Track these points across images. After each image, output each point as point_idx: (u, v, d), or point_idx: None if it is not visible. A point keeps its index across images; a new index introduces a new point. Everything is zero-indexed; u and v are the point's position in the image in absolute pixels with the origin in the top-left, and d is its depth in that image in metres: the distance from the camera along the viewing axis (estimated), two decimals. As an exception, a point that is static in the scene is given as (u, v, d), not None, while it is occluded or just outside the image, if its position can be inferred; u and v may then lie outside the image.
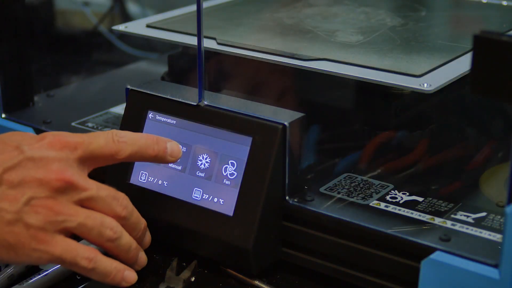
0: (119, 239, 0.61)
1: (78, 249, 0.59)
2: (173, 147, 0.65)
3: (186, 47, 0.83)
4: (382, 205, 0.64)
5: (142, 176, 0.69)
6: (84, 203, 0.60)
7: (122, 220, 0.62)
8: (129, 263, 0.63)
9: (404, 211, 0.64)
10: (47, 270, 0.64)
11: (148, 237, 0.66)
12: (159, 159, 0.64)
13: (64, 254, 0.58)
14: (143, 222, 0.64)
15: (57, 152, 0.60)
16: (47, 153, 0.59)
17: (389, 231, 0.60)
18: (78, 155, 0.61)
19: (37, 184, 0.58)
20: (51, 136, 0.61)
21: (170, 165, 0.68)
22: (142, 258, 0.64)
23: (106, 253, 0.62)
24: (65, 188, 0.59)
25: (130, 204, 0.63)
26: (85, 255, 0.59)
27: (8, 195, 0.58)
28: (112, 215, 0.61)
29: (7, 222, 0.57)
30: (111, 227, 0.60)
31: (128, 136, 0.63)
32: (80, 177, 0.60)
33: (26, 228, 0.57)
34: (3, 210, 0.57)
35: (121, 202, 0.62)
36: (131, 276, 0.62)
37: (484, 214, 0.63)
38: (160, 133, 0.69)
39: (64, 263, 0.59)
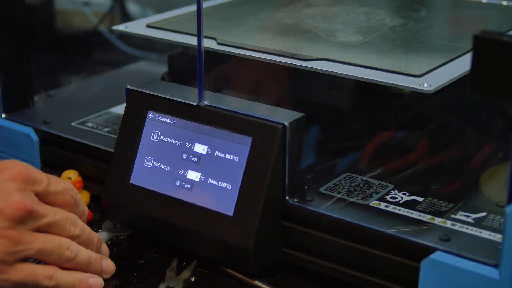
0: (77, 256, 0.62)
1: (38, 270, 0.60)
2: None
3: (186, 47, 0.83)
4: (382, 205, 0.64)
5: (142, 176, 0.69)
6: (42, 229, 0.61)
7: (76, 239, 0.63)
8: (97, 274, 0.64)
9: (404, 211, 0.64)
10: None
11: (105, 249, 0.67)
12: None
13: (26, 278, 0.60)
14: (95, 236, 0.65)
15: (17, 183, 0.60)
16: (7, 185, 0.60)
17: (389, 231, 0.60)
18: (37, 190, 0.61)
19: None
20: (13, 167, 0.61)
21: (170, 165, 0.68)
22: (109, 265, 0.65)
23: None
24: (25, 217, 0.59)
25: (80, 221, 0.64)
26: (45, 274, 0.60)
27: None
28: (67, 236, 0.62)
29: None
30: (67, 246, 0.62)
31: (78, 197, 0.65)
32: (39, 205, 0.61)
33: None
34: None
35: (73, 222, 0.63)
36: (97, 282, 0.63)
37: (484, 214, 0.63)
38: (160, 133, 0.69)
39: (26, 286, 0.60)
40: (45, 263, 0.61)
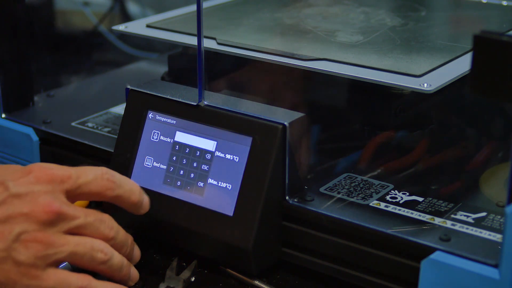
0: (110, 259, 0.61)
1: (70, 279, 0.59)
2: (147, 201, 0.65)
3: (186, 47, 0.83)
4: (382, 205, 0.64)
5: (142, 176, 0.69)
6: (73, 231, 0.59)
7: (111, 241, 0.61)
8: (123, 280, 0.63)
9: (404, 211, 0.64)
10: None
11: (137, 251, 0.65)
12: (135, 208, 0.64)
13: (57, 286, 0.58)
14: (129, 238, 0.64)
15: (43, 185, 0.59)
16: (33, 188, 0.59)
17: (389, 231, 0.60)
18: (65, 188, 0.60)
19: (24, 218, 0.57)
20: (37, 169, 0.60)
21: (170, 165, 0.68)
22: (134, 273, 0.64)
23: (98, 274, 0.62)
24: (54, 220, 0.58)
25: (115, 223, 0.63)
26: (78, 284, 0.59)
27: None
28: (101, 237, 0.61)
29: None
30: (101, 249, 0.60)
31: (117, 177, 0.63)
32: (68, 207, 0.59)
33: (16, 265, 0.57)
34: None
35: (108, 223, 0.62)
36: None
37: (484, 214, 0.63)
38: (160, 133, 0.69)
39: None
40: (78, 267, 0.60)
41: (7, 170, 0.61)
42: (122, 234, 0.63)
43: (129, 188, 0.63)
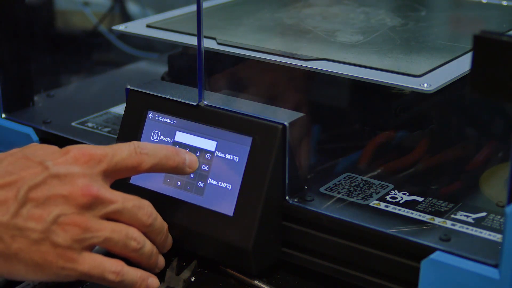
0: (142, 248, 0.61)
1: (105, 264, 0.59)
2: (191, 158, 0.65)
3: (186, 47, 0.83)
4: (382, 205, 0.64)
5: (142, 176, 0.69)
6: (110, 216, 0.60)
7: (148, 227, 0.62)
8: (150, 268, 0.63)
9: (404, 211, 0.64)
10: None
11: (170, 240, 0.66)
12: (179, 170, 0.64)
13: (92, 270, 0.58)
14: (165, 226, 0.64)
15: (81, 166, 0.59)
16: (72, 169, 0.59)
17: (389, 231, 0.60)
18: (103, 168, 0.60)
19: (63, 201, 0.58)
20: (76, 149, 0.60)
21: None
22: (161, 261, 0.65)
23: (128, 260, 0.62)
24: (92, 203, 0.59)
25: (154, 210, 0.63)
26: (112, 269, 0.59)
27: (34, 214, 0.57)
28: (138, 224, 0.61)
29: (34, 241, 0.57)
30: (135, 237, 0.61)
31: (149, 148, 0.63)
32: (106, 191, 0.60)
33: (54, 247, 0.57)
34: (29, 230, 0.57)
35: (146, 210, 0.62)
36: (154, 282, 0.62)
37: (484, 214, 0.63)
38: (160, 133, 0.69)
39: (92, 278, 0.59)
40: (110, 251, 0.60)
41: (46, 150, 0.61)
42: (159, 222, 0.63)
43: (164, 154, 0.63)
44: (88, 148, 0.61)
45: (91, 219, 0.58)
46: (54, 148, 0.62)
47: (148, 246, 0.62)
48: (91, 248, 0.59)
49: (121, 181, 0.69)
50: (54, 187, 0.58)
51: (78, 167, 0.59)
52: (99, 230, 0.59)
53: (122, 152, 0.61)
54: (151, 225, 0.62)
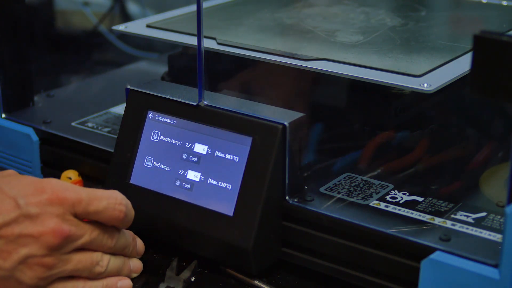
0: (107, 269, 0.62)
1: (67, 287, 0.60)
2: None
3: (186, 47, 0.83)
4: (382, 205, 0.64)
5: (142, 176, 0.69)
6: (78, 248, 0.61)
7: (112, 249, 0.63)
8: (125, 276, 0.64)
9: (404, 211, 0.64)
10: None
11: (140, 245, 0.66)
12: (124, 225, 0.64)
13: None
14: (130, 236, 0.65)
15: (54, 207, 0.59)
16: (44, 209, 0.59)
17: (389, 231, 0.60)
18: (75, 211, 0.60)
19: (33, 241, 0.58)
20: (50, 191, 0.60)
21: (170, 165, 0.68)
22: (136, 265, 0.65)
23: None
24: (62, 243, 0.59)
25: (115, 230, 0.63)
26: None
27: (3, 251, 0.58)
28: (103, 249, 0.62)
29: (0, 277, 0.58)
30: (97, 261, 0.61)
31: (128, 207, 0.63)
32: (76, 227, 0.60)
33: (18, 284, 0.58)
34: None
35: (110, 233, 0.62)
36: (125, 285, 0.63)
37: (484, 214, 0.63)
38: (160, 133, 0.69)
39: None
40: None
41: (22, 182, 0.61)
42: (122, 240, 0.64)
43: (130, 218, 0.64)
44: (63, 190, 0.60)
45: (59, 257, 0.59)
46: (31, 180, 0.61)
47: (113, 264, 0.63)
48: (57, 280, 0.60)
49: (121, 181, 0.69)
50: (25, 226, 0.58)
51: (50, 207, 0.59)
52: (65, 264, 0.59)
53: (99, 204, 0.61)
54: (115, 245, 0.63)
